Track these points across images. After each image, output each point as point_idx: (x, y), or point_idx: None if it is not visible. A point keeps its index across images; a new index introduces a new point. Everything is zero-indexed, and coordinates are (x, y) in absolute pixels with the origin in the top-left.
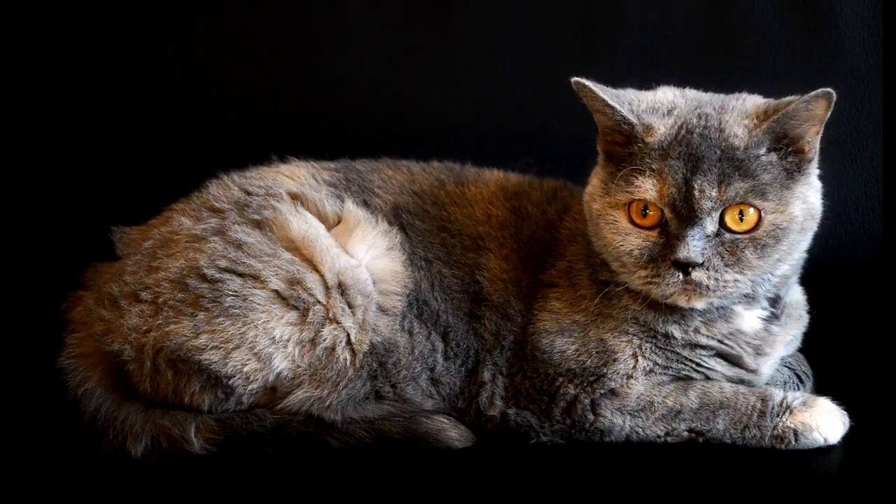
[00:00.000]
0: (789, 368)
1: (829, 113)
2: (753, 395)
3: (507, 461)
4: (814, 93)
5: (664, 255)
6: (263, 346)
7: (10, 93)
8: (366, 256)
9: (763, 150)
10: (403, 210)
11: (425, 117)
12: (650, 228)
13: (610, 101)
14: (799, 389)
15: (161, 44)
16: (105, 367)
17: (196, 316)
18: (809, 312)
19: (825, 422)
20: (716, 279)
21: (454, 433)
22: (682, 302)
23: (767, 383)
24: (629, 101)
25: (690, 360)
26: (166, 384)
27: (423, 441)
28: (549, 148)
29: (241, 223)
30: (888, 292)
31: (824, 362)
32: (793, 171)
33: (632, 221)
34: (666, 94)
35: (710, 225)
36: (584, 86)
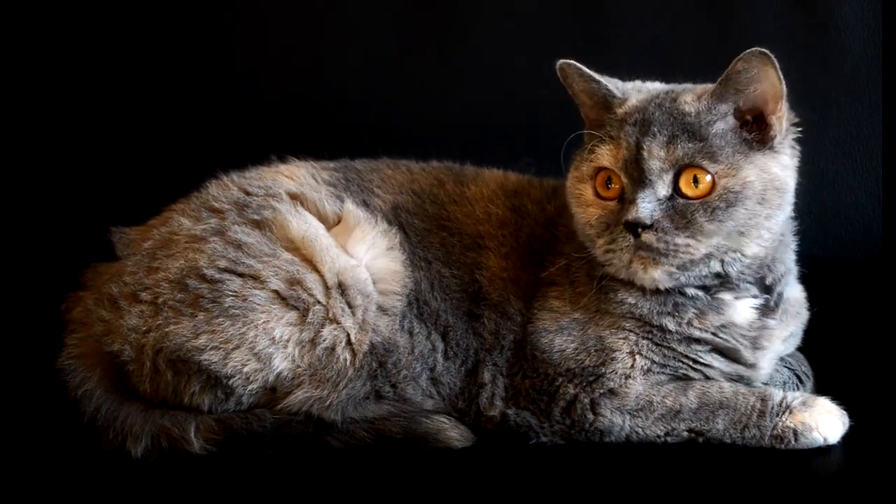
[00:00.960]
0: (789, 368)
1: (783, 85)
2: (753, 394)
3: (507, 461)
4: (746, 51)
5: (618, 220)
6: (263, 347)
7: (10, 93)
8: (365, 256)
9: (715, 117)
10: (403, 209)
11: (425, 117)
12: (612, 199)
13: (595, 76)
14: (798, 389)
15: (161, 44)
16: (105, 368)
17: (196, 316)
18: (810, 310)
19: (825, 421)
20: (665, 241)
21: (454, 433)
22: (640, 273)
23: (766, 383)
24: (614, 81)
25: (687, 357)
26: (166, 384)
27: (423, 441)
28: (549, 148)
29: (240, 223)
30: (888, 292)
31: (824, 362)
32: (752, 143)
33: (597, 194)
34: (653, 84)
35: (662, 188)
36: (572, 65)
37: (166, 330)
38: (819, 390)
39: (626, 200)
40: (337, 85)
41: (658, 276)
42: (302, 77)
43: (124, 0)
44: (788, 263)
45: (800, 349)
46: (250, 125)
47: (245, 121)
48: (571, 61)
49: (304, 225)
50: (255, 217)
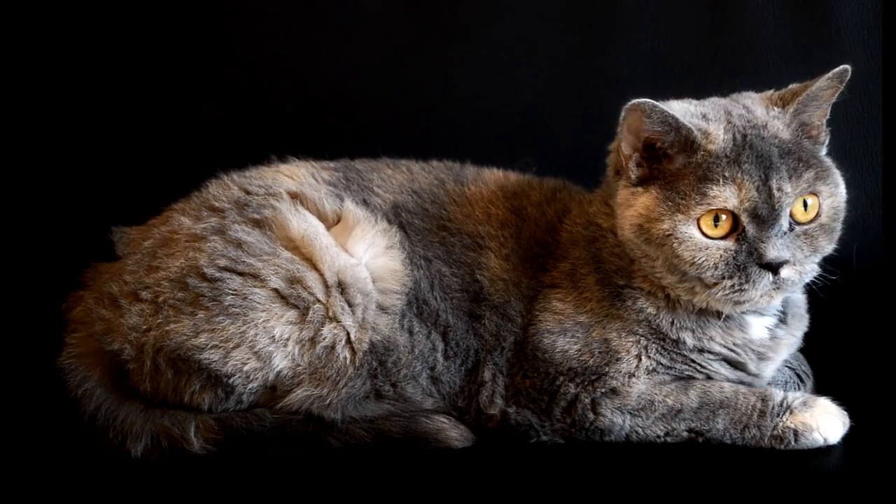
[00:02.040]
0: (790, 368)
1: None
2: (753, 395)
3: (507, 461)
4: (834, 71)
5: (750, 260)
6: (263, 345)
7: (10, 93)
8: (365, 255)
9: (801, 136)
10: (403, 209)
11: (425, 117)
12: (724, 238)
13: (678, 118)
14: (799, 389)
15: (161, 44)
16: (105, 367)
17: (196, 315)
18: (808, 311)
19: (825, 422)
20: (800, 272)
21: (454, 433)
22: (763, 304)
23: (769, 383)
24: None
25: (696, 363)
26: (166, 383)
27: (423, 441)
28: (549, 148)
29: (240, 222)
30: (888, 292)
31: (824, 362)
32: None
33: (704, 234)
34: (678, 104)
35: (785, 222)
36: (652, 106)
37: (166, 329)
38: (819, 390)
39: (752, 239)
40: (337, 85)
41: (777, 302)
42: (302, 77)
43: (123, 2)
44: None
45: (800, 349)
46: (250, 125)
47: (245, 120)
48: (649, 101)
49: (303, 224)
50: (256, 216)
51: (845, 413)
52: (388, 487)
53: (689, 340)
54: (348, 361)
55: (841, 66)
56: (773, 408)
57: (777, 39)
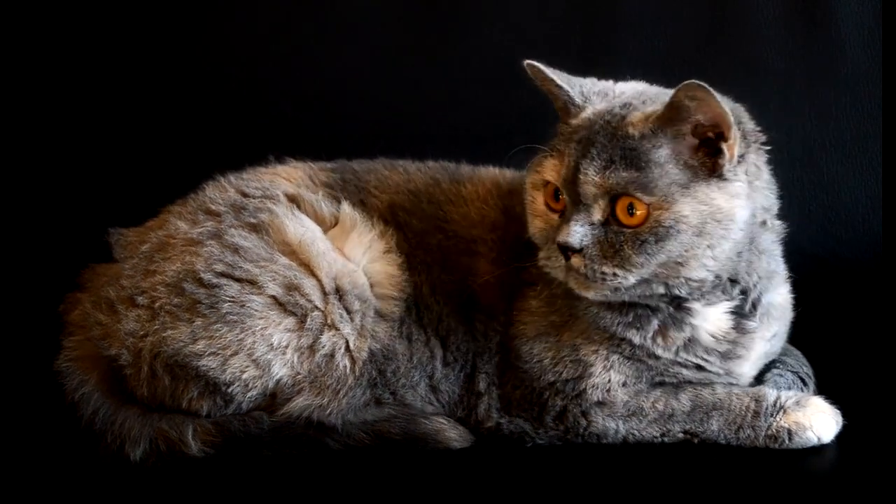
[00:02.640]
0: (791, 372)
1: (728, 114)
2: (747, 395)
3: (507, 461)
4: (684, 83)
5: (553, 237)
6: (262, 353)
7: (10, 93)
8: (363, 259)
9: (660, 142)
10: (400, 209)
11: (424, 117)
12: (557, 213)
13: (558, 81)
14: (803, 392)
15: (159, 44)
16: (102, 371)
17: (193, 321)
18: (804, 309)
19: (819, 421)
20: (592, 269)
21: (453, 433)
22: (576, 288)
23: (771, 386)
24: (580, 84)
25: (658, 370)
26: (163, 389)
27: (422, 442)
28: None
29: (237, 227)
30: (888, 292)
31: (824, 362)
32: (699, 169)
33: (547, 205)
34: (627, 85)
35: (597, 213)
36: (536, 67)
37: (163, 335)
38: (819, 390)
39: (563, 219)
40: (335, 84)
41: (592, 296)
42: (299, 77)
43: (122, 2)
44: (767, 270)
45: (800, 349)
46: (248, 125)
47: (242, 121)
48: (535, 62)
49: (300, 228)
50: (252, 220)
51: (838, 412)
52: (388, 488)
53: (636, 339)
54: (348, 370)
55: (689, 81)
56: (766, 408)
57: (777, 39)
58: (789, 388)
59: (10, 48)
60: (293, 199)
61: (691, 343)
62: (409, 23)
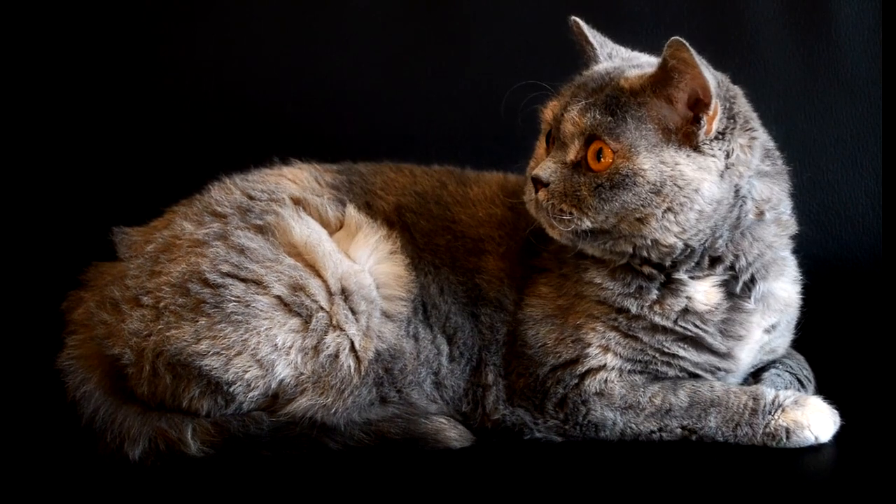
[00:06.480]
0: (790, 373)
1: (709, 82)
2: (745, 393)
3: (507, 461)
4: (672, 38)
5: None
6: (266, 353)
7: (10, 93)
8: (368, 261)
9: (646, 100)
10: (407, 210)
11: (426, 117)
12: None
13: (590, 37)
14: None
15: (162, 44)
16: (104, 370)
17: (197, 321)
18: (804, 310)
19: (816, 420)
20: (552, 205)
21: (453, 433)
22: (544, 225)
23: (768, 385)
24: (613, 47)
25: (653, 348)
26: (164, 388)
27: (422, 442)
28: None
29: (243, 228)
30: (888, 292)
31: (824, 362)
32: (676, 136)
33: (546, 150)
34: (650, 59)
35: (572, 153)
36: (577, 23)
37: (167, 334)
38: (818, 390)
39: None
40: (339, 87)
41: (558, 237)
42: (304, 79)
43: (125, 1)
44: (763, 259)
45: (800, 349)
46: (253, 126)
47: (248, 122)
48: (578, 20)
49: (306, 230)
50: (258, 222)
51: (836, 412)
52: (388, 488)
53: (634, 308)
54: (353, 370)
55: (672, 37)
56: (764, 406)
57: (777, 39)
58: (787, 388)
59: (11, 48)
60: (299, 202)
61: (688, 314)
62: (413, 25)
